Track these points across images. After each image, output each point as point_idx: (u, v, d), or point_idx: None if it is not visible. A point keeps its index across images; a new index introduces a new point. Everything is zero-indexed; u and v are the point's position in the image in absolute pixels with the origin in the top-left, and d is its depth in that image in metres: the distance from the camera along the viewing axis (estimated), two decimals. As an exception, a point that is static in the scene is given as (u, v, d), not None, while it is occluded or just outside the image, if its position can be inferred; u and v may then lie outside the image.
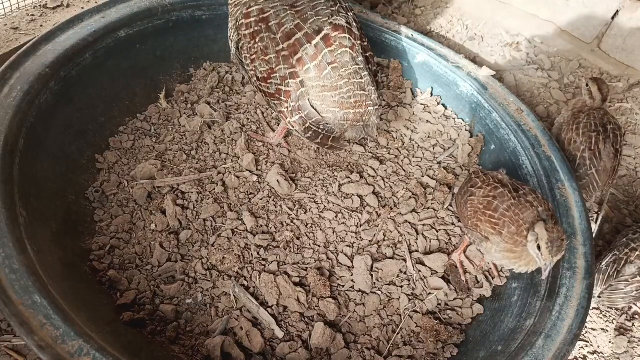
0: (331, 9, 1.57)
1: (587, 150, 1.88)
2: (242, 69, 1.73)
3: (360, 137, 1.71)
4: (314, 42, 1.51)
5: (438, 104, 2.32)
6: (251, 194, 1.82)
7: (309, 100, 1.58)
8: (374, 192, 1.89)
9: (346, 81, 1.56)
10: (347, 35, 1.54)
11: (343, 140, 1.70)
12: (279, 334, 1.47)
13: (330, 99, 1.57)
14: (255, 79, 1.66)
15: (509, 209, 1.45)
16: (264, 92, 1.67)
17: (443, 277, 1.70)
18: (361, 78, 1.59)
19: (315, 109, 1.59)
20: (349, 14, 1.63)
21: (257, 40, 1.56)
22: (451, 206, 1.92)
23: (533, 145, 1.92)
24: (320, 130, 1.63)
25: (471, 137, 2.19)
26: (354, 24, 1.62)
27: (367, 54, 1.68)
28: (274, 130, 2.05)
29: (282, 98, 1.61)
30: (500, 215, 1.45)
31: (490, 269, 1.75)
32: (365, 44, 1.69)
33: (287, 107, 1.62)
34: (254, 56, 1.59)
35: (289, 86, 1.56)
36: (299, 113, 1.60)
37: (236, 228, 1.69)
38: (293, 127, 1.66)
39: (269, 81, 1.60)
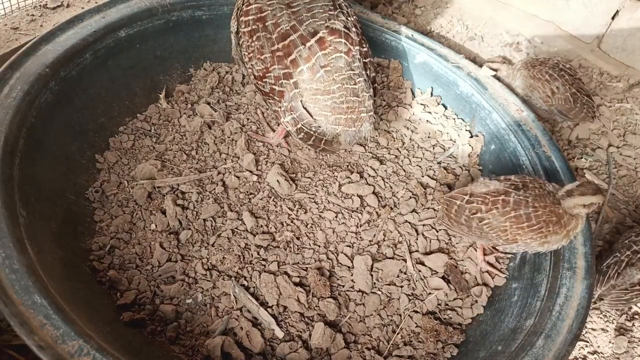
0: (329, 12, 1.56)
1: (570, 88, 2.15)
2: (242, 65, 1.74)
3: (354, 142, 1.71)
4: (308, 45, 1.50)
5: (438, 104, 2.32)
6: (251, 194, 1.82)
7: (301, 102, 1.58)
8: (374, 192, 1.89)
9: (339, 86, 1.55)
10: (342, 40, 1.54)
11: (336, 144, 1.69)
12: (279, 334, 1.47)
13: (322, 102, 1.57)
14: (252, 76, 1.67)
15: (536, 208, 1.45)
16: (260, 90, 1.68)
17: (443, 277, 1.70)
18: (355, 84, 1.58)
19: (308, 111, 1.59)
20: (349, 18, 1.62)
21: (254, 38, 1.56)
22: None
23: (533, 145, 1.92)
24: (312, 132, 1.63)
25: (471, 137, 2.19)
26: (354, 29, 1.61)
27: (366, 60, 1.66)
28: (274, 130, 2.05)
29: (275, 97, 1.61)
30: (536, 220, 1.44)
31: (490, 269, 1.75)
32: (365, 49, 1.67)
33: (280, 107, 1.62)
34: (251, 54, 1.60)
35: (283, 86, 1.57)
36: (292, 114, 1.60)
37: (236, 228, 1.69)
38: (286, 127, 1.66)
39: (263, 80, 1.61)
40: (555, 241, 1.48)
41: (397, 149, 2.11)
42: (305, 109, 1.58)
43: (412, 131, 2.20)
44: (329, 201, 1.84)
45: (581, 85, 2.20)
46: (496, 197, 1.50)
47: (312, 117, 1.60)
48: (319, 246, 1.71)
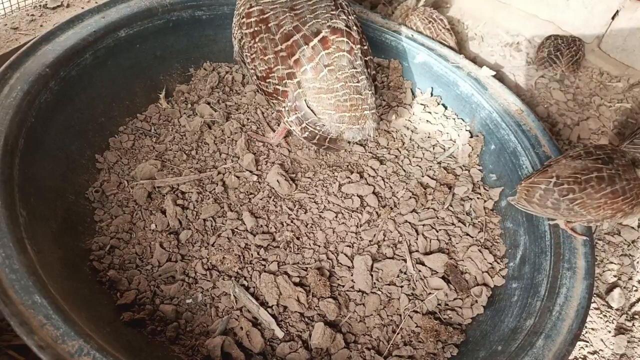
0: (331, 12, 1.58)
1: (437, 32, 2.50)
2: (244, 66, 1.74)
3: (357, 140, 1.72)
4: (311, 44, 1.51)
5: (438, 104, 2.32)
6: (251, 194, 1.82)
7: (305, 101, 1.58)
8: (374, 192, 1.89)
9: (342, 84, 1.56)
10: (345, 39, 1.55)
11: (340, 142, 1.70)
12: (279, 334, 1.47)
13: (326, 101, 1.58)
14: (255, 77, 1.68)
15: (628, 181, 1.42)
16: (263, 90, 1.69)
17: (443, 277, 1.70)
18: (358, 82, 1.59)
19: (312, 110, 1.60)
20: (350, 17, 1.63)
21: (256, 40, 1.57)
22: (451, 206, 1.92)
23: (533, 145, 1.92)
24: (316, 131, 1.64)
25: (471, 137, 2.19)
26: (355, 27, 1.63)
27: (367, 58, 1.67)
28: (274, 130, 2.05)
29: (279, 98, 1.62)
30: (630, 193, 1.42)
31: (489, 270, 1.75)
32: (366, 47, 1.68)
33: (284, 107, 1.63)
34: (254, 55, 1.60)
35: (287, 86, 1.57)
36: (296, 113, 1.61)
37: (236, 228, 1.69)
38: (290, 126, 1.67)
39: (267, 80, 1.61)
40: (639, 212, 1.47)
41: (397, 149, 2.11)
42: (309, 107, 1.59)
43: (412, 131, 2.20)
44: (329, 201, 1.84)
45: (445, 24, 2.55)
46: (589, 174, 1.45)
47: (316, 115, 1.60)
48: (319, 246, 1.71)
